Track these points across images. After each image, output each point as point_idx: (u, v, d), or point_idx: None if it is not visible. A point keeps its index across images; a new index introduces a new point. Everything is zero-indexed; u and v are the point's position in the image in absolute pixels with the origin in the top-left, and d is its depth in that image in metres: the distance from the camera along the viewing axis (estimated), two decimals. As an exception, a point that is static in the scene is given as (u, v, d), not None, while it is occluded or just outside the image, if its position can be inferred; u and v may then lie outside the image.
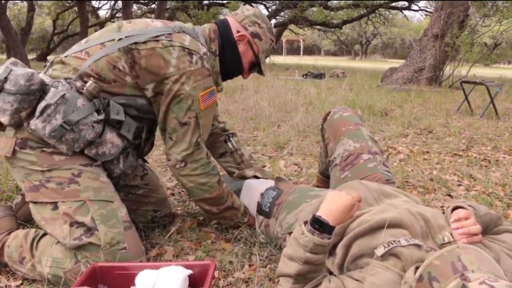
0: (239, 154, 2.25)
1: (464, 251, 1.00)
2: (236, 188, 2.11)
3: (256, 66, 1.95)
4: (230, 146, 2.24)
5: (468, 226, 1.23)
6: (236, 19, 1.88)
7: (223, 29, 1.86)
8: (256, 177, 2.17)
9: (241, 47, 1.86)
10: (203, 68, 1.68)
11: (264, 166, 3.09)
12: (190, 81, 1.65)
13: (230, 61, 1.87)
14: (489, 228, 1.36)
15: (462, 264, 0.96)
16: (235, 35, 1.85)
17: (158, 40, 1.63)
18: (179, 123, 1.70)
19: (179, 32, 1.69)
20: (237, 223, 1.97)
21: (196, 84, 1.66)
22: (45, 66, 1.73)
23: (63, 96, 1.49)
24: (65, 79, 1.58)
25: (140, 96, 1.69)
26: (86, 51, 1.65)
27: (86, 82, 1.56)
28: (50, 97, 1.48)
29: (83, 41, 1.75)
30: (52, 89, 1.50)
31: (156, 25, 1.72)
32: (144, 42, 1.62)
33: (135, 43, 1.61)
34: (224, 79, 1.95)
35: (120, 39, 1.63)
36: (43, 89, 1.51)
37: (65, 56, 1.68)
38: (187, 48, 1.66)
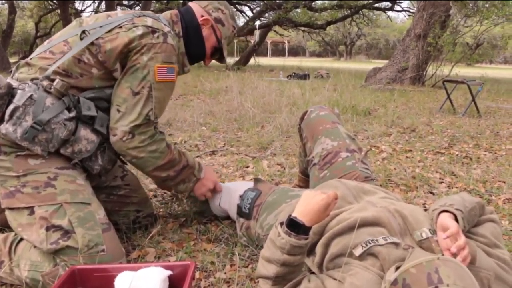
0: None
1: (443, 264, 0.98)
2: None
3: (217, 52, 1.95)
4: None
5: (460, 245, 1.12)
6: (200, 5, 1.89)
7: (186, 13, 1.87)
8: None
9: (205, 31, 1.87)
10: (165, 43, 1.67)
11: (247, 167, 3.10)
12: (149, 52, 1.64)
13: (194, 44, 1.88)
14: (471, 224, 1.32)
15: (439, 277, 0.95)
16: (199, 19, 1.86)
17: (121, 26, 1.64)
18: (132, 92, 1.65)
19: (139, 16, 1.71)
20: (196, 181, 1.93)
21: (154, 56, 1.65)
22: (11, 71, 1.71)
23: (30, 97, 1.48)
24: (32, 80, 1.57)
25: (108, 86, 1.68)
26: (50, 50, 1.65)
27: (53, 81, 1.55)
28: (18, 99, 1.47)
29: (46, 42, 1.75)
30: (19, 91, 1.48)
31: (117, 14, 1.73)
32: (109, 31, 1.63)
33: (100, 37, 1.61)
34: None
35: (83, 37, 1.62)
36: (11, 93, 1.50)
37: (30, 59, 1.67)
38: (150, 27, 1.66)
